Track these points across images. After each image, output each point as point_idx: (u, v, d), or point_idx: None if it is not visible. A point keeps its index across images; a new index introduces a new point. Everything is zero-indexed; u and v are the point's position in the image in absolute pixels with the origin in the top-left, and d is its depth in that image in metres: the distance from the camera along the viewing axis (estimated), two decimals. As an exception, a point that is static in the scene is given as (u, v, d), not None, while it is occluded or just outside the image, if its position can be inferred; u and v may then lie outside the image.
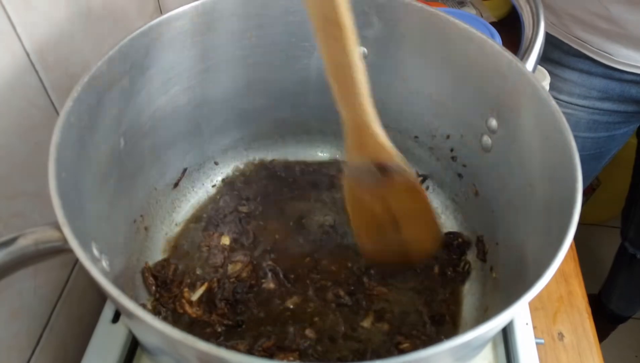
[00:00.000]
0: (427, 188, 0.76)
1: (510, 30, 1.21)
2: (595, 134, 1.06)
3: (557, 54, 1.00)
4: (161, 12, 0.78)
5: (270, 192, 0.76)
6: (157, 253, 0.68)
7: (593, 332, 0.73)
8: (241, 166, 0.78)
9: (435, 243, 0.64)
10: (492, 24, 1.01)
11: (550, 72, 1.02)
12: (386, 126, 0.74)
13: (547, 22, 0.99)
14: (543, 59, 1.00)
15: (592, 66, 0.97)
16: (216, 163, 0.76)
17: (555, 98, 0.98)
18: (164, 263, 0.67)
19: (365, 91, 0.51)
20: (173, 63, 0.61)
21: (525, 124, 0.56)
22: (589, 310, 0.75)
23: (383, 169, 0.57)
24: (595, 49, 0.94)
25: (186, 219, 0.73)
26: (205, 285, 0.64)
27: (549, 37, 0.99)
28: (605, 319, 1.56)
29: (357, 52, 0.49)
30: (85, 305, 0.69)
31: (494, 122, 0.61)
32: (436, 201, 0.75)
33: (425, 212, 0.61)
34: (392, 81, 0.69)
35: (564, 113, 1.00)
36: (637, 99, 0.99)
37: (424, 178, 0.76)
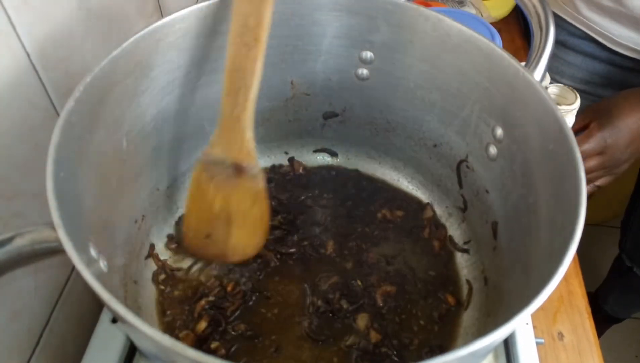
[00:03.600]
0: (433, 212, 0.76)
1: (510, 31, 1.21)
2: None
3: (563, 35, 1.00)
4: (161, 13, 0.78)
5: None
6: (158, 253, 0.68)
7: (593, 331, 0.72)
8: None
9: (255, 250, 0.63)
10: (492, 23, 1.01)
11: (554, 55, 1.01)
12: (392, 131, 0.74)
13: (556, 3, 0.99)
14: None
15: (596, 49, 0.97)
16: (220, 165, 0.76)
17: (557, 82, 0.98)
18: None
19: (253, 97, 0.55)
20: (177, 64, 0.61)
21: (531, 134, 0.55)
22: (589, 309, 0.75)
23: (239, 171, 0.58)
24: (600, 30, 0.94)
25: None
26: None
27: (556, 19, 0.99)
28: (601, 318, 1.56)
29: (261, 62, 0.54)
30: (85, 305, 0.69)
31: (499, 132, 0.60)
32: (440, 208, 0.75)
33: (260, 220, 0.62)
34: (398, 86, 0.69)
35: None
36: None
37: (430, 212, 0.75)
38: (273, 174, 0.79)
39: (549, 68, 1.02)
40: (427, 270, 0.69)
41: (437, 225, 0.73)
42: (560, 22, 1.00)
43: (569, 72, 1.02)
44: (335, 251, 0.70)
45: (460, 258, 0.70)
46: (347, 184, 0.78)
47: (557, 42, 1.01)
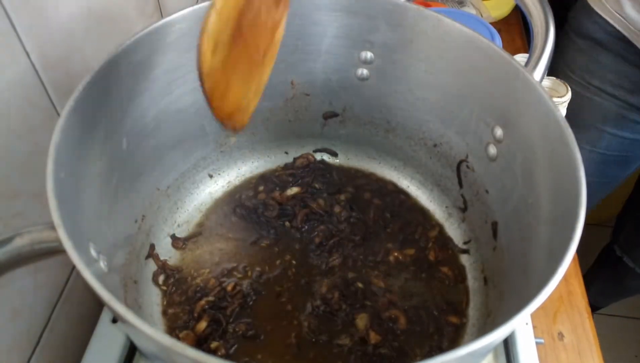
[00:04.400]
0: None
1: (510, 31, 1.21)
2: (621, 133, 1.04)
3: (600, 33, 1.00)
4: (161, 13, 0.78)
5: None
6: (158, 253, 0.68)
7: (593, 331, 0.73)
8: (245, 169, 0.78)
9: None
10: (492, 24, 1.01)
11: (587, 53, 1.02)
12: (392, 131, 0.74)
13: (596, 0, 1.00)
14: (585, 37, 1.01)
15: (630, 52, 0.97)
16: (220, 165, 0.76)
17: (587, 83, 0.98)
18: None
19: None
20: (177, 64, 0.61)
21: (531, 135, 0.55)
22: (589, 309, 0.75)
23: None
24: (636, 30, 0.93)
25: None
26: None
27: (594, 16, 1.00)
28: None
29: None
30: (85, 305, 0.69)
31: (499, 132, 0.60)
32: (440, 208, 0.75)
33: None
34: (399, 86, 0.69)
35: (594, 100, 1.00)
36: None
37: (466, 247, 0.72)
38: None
39: (579, 65, 1.02)
40: (439, 301, 0.67)
41: (442, 244, 0.72)
42: (597, 20, 1.00)
43: (599, 73, 1.02)
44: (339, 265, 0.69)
45: (461, 259, 0.70)
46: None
47: (594, 40, 1.02)
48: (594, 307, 1.60)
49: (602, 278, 1.48)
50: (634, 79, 0.99)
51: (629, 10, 0.93)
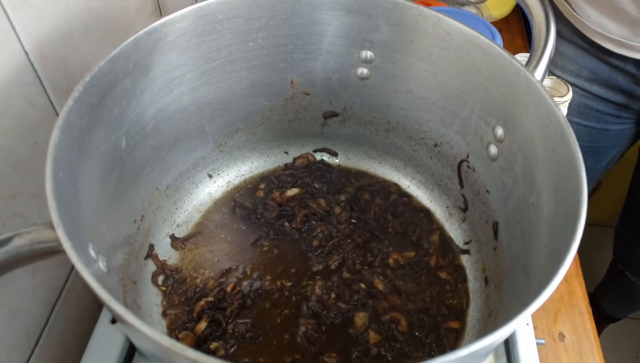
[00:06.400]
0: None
1: (511, 30, 1.22)
2: (587, 122, 1.06)
3: (560, 25, 1.01)
4: (160, 12, 0.78)
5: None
6: (157, 254, 0.68)
7: (594, 332, 0.73)
8: (244, 169, 0.78)
9: None
10: (493, 23, 1.01)
11: None
12: (392, 130, 0.74)
13: None
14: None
15: (585, 42, 0.97)
16: (219, 165, 0.76)
17: (550, 73, 0.99)
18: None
19: None
20: (177, 64, 0.61)
21: (531, 134, 0.55)
22: (590, 310, 0.75)
23: None
24: (576, 14, 0.94)
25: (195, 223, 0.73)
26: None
27: (554, 8, 1.00)
28: (598, 316, 1.58)
29: None
30: (84, 305, 0.69)
31: (500, 131, 0.60)
32: (441, 208, 0.75)
33: None
34: (399, 86, 0.69)
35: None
36: (623, 89, 0.99)
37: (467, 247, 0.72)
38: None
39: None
40: (439, 304, 0.66)
41: (443, 248, 0.71)
42: (557, 11, 1.00)
43: (560, 63, 1.03)
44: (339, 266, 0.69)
45: (461, 259, 0.70)
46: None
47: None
48: (614, 318, 1.60)
49: (612, 291, 1.49)
50: (592, 68, 1.00)
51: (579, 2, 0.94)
